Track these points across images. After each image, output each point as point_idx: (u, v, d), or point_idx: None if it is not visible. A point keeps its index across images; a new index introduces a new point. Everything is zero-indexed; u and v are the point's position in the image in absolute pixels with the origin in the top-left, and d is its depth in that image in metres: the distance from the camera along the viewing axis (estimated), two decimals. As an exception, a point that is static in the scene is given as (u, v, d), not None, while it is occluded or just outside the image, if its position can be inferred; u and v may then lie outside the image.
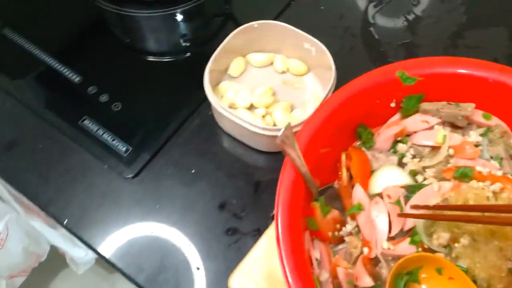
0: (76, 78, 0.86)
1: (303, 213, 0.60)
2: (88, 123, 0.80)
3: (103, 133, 0.79)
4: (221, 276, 0.69)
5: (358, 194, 0.63)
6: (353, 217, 0.63)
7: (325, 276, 0.61)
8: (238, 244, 0.72)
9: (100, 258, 0.72)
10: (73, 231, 0.73)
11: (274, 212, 0.56)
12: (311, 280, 0.54)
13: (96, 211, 0.74)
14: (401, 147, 0.68)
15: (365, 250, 0.60)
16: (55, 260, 1.61)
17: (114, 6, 0.96)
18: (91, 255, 1.36)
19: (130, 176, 0.77)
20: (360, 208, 0.62)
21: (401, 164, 0.67)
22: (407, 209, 0.62)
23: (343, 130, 0.67)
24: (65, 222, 0.73)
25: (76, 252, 1.35)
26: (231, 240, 0.72)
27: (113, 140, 0.79)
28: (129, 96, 0.84)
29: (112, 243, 0.72)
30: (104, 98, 0.83)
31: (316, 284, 0.55)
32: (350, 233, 0.64)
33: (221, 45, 0.78)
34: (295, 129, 0.69)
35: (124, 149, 0.78)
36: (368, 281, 0.57)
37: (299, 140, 0.60)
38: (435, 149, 0.67)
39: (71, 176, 0.77)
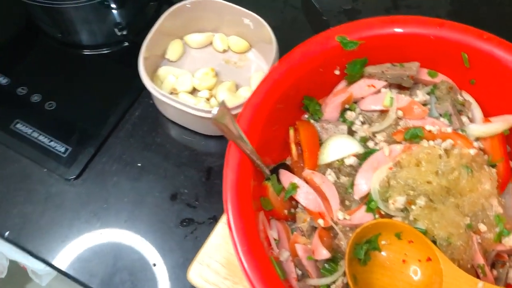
0: (3, 80, 0.80)
1: (256, 194, 0.58)
2: (21, 126, 0.75)
3: (39, 135, 0.74)
4: (180, 269, 0.66)
5: (285, 177, 0.61)
6: (294, 198, 0.61)
7: (285, 255, 0.59)
8: (195, 234, 0.69)
9: (50, 267, 0.67)
10: (17, 242, 0.68)
11: (223, 195, 0.53)
12: (267, 261, 0.51)
13: (39, 219, 0.70)
14: (349, 114, 0.66)
15: (320, 221, 0.58)
16: (18, 275, 1.54)
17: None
18: (52, 265, 1.30)
19: (72, 177, 0.72)
20: (294, 187, 0.60)
21: (351, 133, 0.65)
22: (358, 179, 0.60)
23: (289, 105, 0.64)
24: (6, 235, 0.68)
25: (36, 264, 1.29)
26: (187, 231, 0.69)
27: (50, 141, 0.74)
28: (64, 94, 0.79)
29: (60, 251, 0.68)
30: (35, 98, 0.78)
31: (274, 264, 0.53)
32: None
33: (153, 30, 0.74)
34: (236, 111, 0.67)
35: (63, 149, 0.73)
36: (324, 252, 0.55)
37: (242, 120, 0.57)
38: (383, 113, 0.65)
39: (8, 184, 0.72)
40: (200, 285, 0.64)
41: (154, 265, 0.67)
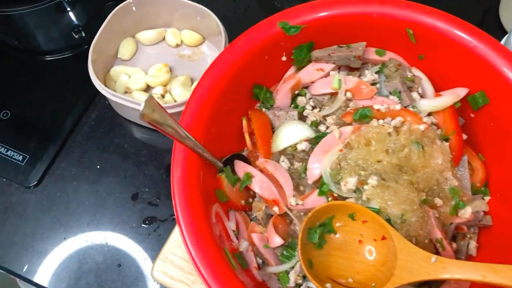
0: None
1: (209, 187, 0.58)
2: (-26, 138, 0.74)
3: (-5, 145, 0.74)
4: (144, 267, 0.66)
5: (239, 167, 0.62)
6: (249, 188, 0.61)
7: (244, 245, 0.59)
8: (158, 232, 0.69)
9: (14, 276, 0.67)
10: (-21, 255, 0.68)
11: (171, 189, 0.53)
12: (219, 253, 0.51)
13: (1, 229, 0.69)
14: (300, 100, 0.66)
15: (276, 209, 0.58)
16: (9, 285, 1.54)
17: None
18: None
19: (32, 185, 0.72)
20: (249, 176, 0.60)
21: (302, 118, 0.65)
22: (310, 163, 0.60)
23: (239, 94, 0.64)
24: (-32, 248, 0.68)
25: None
26: (149, 229, 0.69)
27: (7, 150, 0.73)
28: (19, 102, 0.78)
29: (24, 259, 0.68)
30: (-11, 108, 0.77)
31: (228, 256, 0.53)
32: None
33: (99, 31, 0.73)
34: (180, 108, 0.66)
35: (20, 158, 0.73)
36: (277, 240, 0.55)
37: (187, 114, 0.57)
38: (334, 95, 0.65)
39: (-33, 197, 0.72)
40: (165, 282, 0.64)
41: (119, 265, 0.67)
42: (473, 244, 0.62)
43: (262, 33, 0.62)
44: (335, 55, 0.64)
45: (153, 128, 0.46)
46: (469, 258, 0.62)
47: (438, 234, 0.58)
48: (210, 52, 0.80)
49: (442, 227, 0.60)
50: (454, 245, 0.61)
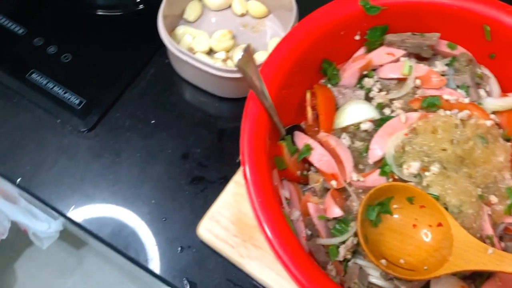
0: (19, 30, 0.79)
1: (270, 152, 0.58)
2: (36, 77, 0.75)
3: (54, 86, 0.74)
4: (189, 224, 0.66)
5: (299, 138, 0.62)
6: (307, 160, 0.61)
7: (295, 214, 0.60)
8: (205, 193, 0.69)
9: (59, 215, 0.68)
10: (28, 189, 0.68)
11: (240, 147, 0.53)
12: (281, 214, 0.52)
13: (51, 168, 0.70)
14: (367, 81, 0.66)
15: (333, 183, 0.59)
16: (18, 239, 1.55)
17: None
18: (54, 227, 1.30)
19: (85, 129, 0.72)
20: (308, 148, 0.60)
21: (368, 99, 0.65)
22: (373, 144, 0.60)
23: (307, 67, 0.64)
24: (18, 181, 0.69)
25: (39, 225, 1.29)
26: (197, 189, 0.69)
27: (65, 93, 0.74)
28: (80, 47, 0.78)
29: (71, 200, 0.68)
30: (52, 49, 0.77)
31: (287, 219, 0.53)
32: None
33: (172, -11, 0.73)
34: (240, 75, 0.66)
35: (77, 102, 0.73)
36: (337, 211, 0.56)
37: (262, 76, 0.57)
38: (401, 81, 0.65)
39: (22, 133, 0.72)
40: (209, 240, 0.64)
41: (164, 219, 0.67)
42: (519, 247, 0.62)
43: (344, 8, 0.62)
44: (409, 41, 0.64)
45: (243, 77, 0.46)
46: (513, 260, 0.62)
47: (489, 231, 0.58)
48: (273, 26, 0.80)
49: (493, 225, 0.60)
50: (502, 244, 0.61)
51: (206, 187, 0.70)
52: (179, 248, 0.65)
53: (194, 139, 0.73)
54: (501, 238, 0.63)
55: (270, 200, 0.51)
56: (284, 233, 0.50)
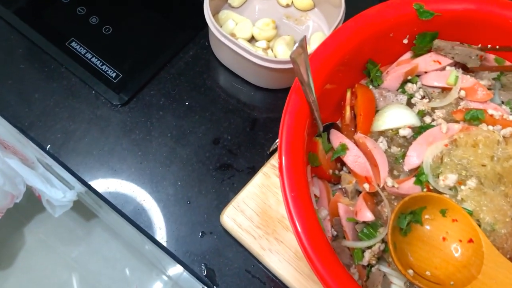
0: (64, -3, 0.79)
1: (306, 146, 0.57)
2: (75, 45, 0.74)
3: (92, 56, 0.74)
4: (212, 210, 0.66)
5: (335, 136, 0.61)
6: (340, 160, 0.60)
7: (323, 213, 0.59)
8: (232, 181, 0.69)
9: (84, 186, 0.68)
10: (57, 157, 0.68)
11: (278, 136, 0.52)
12: (313, 212, 0.51)
13: (81, 138, 0.70)
14: (410, 87, 0.64)
15: (366, 186, 0.58)
16: (31, 203, 1.56)
17: None
18: (69, 197, 1.31)
19: (119, 104, 0.72)
20: (344, 148, 0.59)
21: (409, 105, 0.64)
22: (411, 151, 0.59)
23: (352, 66, 0.63)
24: (47, 148, 0.69)
25: (54, 193, 1.30)
26: (224, 176, 0.69)
27: (102, 64, 0.73)
28: (121, 21, 0.78)
29: (97, 172, 0.68)
30: (93, 20, 0.77)
31: (318, 216, 0.52)
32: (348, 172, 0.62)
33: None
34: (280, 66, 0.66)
35: (114, 75, 0.73)
36: (368, 215, 0.55)
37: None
38: (445, 90, 0.64)
39: (56, 100, 0.72)
40: (232, 229, 0.64)
41: (189, 202, 0.67)
42: (546, 273, 0.61)
43: (396, 10, 0.60)
44: (458, 48, 0.63)
45: (294, 67, 0.45)
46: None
47: (519, 253, 0.57)
48: (316, 20, 0.79)
49: (522, 247, 0.58)
50: (529, 268, 0.60)
51: (233, 174, 0.69)
52: (201, 233, 0.65)
53: (227, 125, 0.72)
54: (528, 262, 0.61)
55: (303, 196, 0.50)
56: (314, 230, 0.49)
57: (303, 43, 0.44)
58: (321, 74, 0.57)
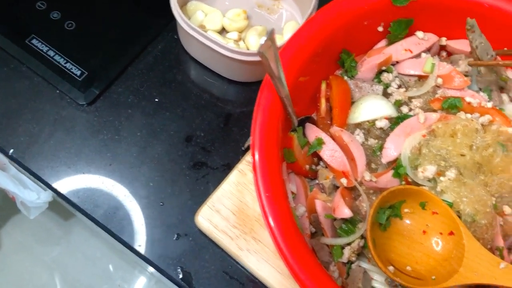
0: (21, -8, 0.75)
1: (280, 143, 0.55)
2: (36, 43, 0.70)
3: (55, 54, 0.70)
4: (187, 211, 0.64)
5: (311, 131, 0.59)
6: (317, 155, 0.58)
7: (301, 210, 0.57)
8: (206, 179, 0.66)
9: (50, 190, 0.64)
10: (20, 162, 0.65)
11: (251, 134, 0.50)
12: (289, 211, 0.49)
13: (46, 141, 0.66)
14: (386, 76, 0.63)
15: (343, 181, 0.56)
16: (5, 205, 1.52)
17: None
18: (43, 198, 1.27)
19: (85, 103, 0.68)
20: (320, 142, 0.57)
21: (385, 95, 0.62)
22: (388, 143, 0.57)
23: (326, 56, 0.60)
24: (10, 152, 0.65)
25: (28, 195, 1.26)
26: (198, 175, 0.66)
27: (66, 62, 0.70)
28: (85, 15, 0.74)
29: (64, 176, 0.65)
30: (55, 15, 0.73)
31: (295, 215, 0.50)
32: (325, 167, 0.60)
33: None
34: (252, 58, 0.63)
35: (78, 73, 0.69)
36: (346, 211, 0.53)
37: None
38: (422, 78, 0.62)
39: (18, 101, 0.68)
40: (208, 230, 0.61)
41: (162, 204, 0.64)
42: (528, 261, 0.60)
43: (370, -3, 0.58)
44: (484, 39, 0.58)
45: (263, 62, 0.43)
46: (520, 274, 0.60)
47: (500, 243, 0.56)
48: (289, 9, 0.76)
49: (504, 237, 0.57)
50: (511, 257, 0.59)
51: (208, 173, 0.66)
52: (176, 235, 0.63)
53: (199, 121, 0.69)
54: (509, 250, 0.61)
55: (278, 194, 0.48)
56: (290, 231, 0.47)
57: (271, 36, 0.41)
58: (293, 66, 0.55)
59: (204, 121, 0.69)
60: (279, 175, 0.50)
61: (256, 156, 0.49)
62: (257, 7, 0.76)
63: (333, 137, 0.59)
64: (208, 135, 0.69)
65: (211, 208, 0.62)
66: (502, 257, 0.56)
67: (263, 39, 0.41)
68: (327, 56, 0.61)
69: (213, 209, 0.62)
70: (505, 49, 0.61)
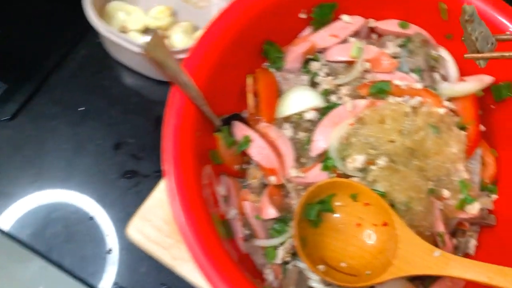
0: None
1: (204, 145, 0.52)
2: None
3: (-32, 69, 0.66)
4: (120, 223, 0.61)
5: (238, 129, 0.56)
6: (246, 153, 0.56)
7: (232, 213, 0.54)
8: (138, 188, 0.63)
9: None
10: None
11: (161, 144, 0.47)
12: (206, 218, 0.46)
13: (-36, 162, 0.63)
14: (313, 65, 0.60)
15: (272, 179, 0.53)
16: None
17: None
18: None
19: (6, 118, 0.65)
20: (247, 140, 0.54)
21: (313, 85, 0.59)
22: (316, 135, 0.55)
23: (247, 49, 0.57)
24: None
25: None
26: (129, 184, 0.63)
27: (-18, 77, 0.66)
28: (0, 25, 0.70)
29: (-13, 198, 0.61)
30: (-34, 27, 0.69)
31: (215, 222, 0.48)
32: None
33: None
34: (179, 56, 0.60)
35: (-4, 87, 0.66)
36: (271, 212, 0.50)
37: (189, 62, 0.50)
38: (351, 64, 0.59)
39: None
40: (140, 242, 0.58)
41: (91, 218, 0.61)
42: (473, 243, 0.58)
43: (285, -18, 0.55)
44: (484, 27, 0.46)
45: (155, 69, 0.40)
46: (466, 256, 0.59)
47: (440, 228, 0.54)
48: (217, 1, 0.73)
49: (445, 221, 0.56)
50: (454, 241, 0.57)
51: (139, 181, 0.64)
52: (108, 250, 0.60)
53: (128, 128, 0.66)
54: (453, 234, 0.59)
55: (193, 204, 0.46)
56: (207, 240, 0.45)
57: (156, 34, 0.38)
58: (207, 62, 0.52)
59: (133, 127, 0.66)
60: (195, 183, 0.47)
61: (167, 163, 0.46)
62: (183, 2, 0.73)
63: (261, 134, 0.56)
64: (138, 141, 0.66)
65: (142, 219, 0.59)
66: (444, 243, 0.54)
67: (145, 41, 0.38)
68: (249, 48, 0.58)
69: (144, 219, 0.59)
70: (508, 33, 0.55)
